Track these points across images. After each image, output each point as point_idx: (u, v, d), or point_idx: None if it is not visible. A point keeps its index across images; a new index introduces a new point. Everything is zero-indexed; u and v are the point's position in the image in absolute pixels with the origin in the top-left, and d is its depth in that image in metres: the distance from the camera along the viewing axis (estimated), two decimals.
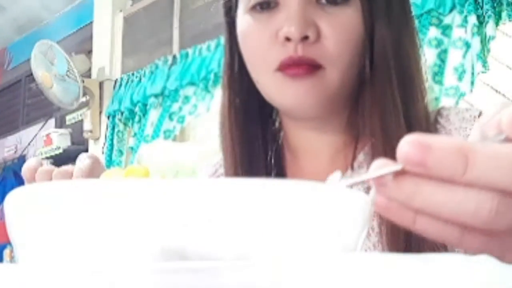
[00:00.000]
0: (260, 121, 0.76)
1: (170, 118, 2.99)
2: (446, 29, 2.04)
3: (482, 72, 1.91)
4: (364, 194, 0.35)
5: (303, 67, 0.66)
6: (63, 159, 3.88)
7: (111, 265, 0.29)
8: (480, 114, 0.71)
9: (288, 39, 0.65)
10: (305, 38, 0.65)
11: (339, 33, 0.66)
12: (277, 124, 0.79)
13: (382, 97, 0.68)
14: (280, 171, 0.76)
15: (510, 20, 1.92)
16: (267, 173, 0.75)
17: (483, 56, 1.90)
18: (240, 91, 0.75)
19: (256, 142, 0.75)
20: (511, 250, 0.33)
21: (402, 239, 0.64)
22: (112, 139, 3.30)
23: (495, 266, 0.30)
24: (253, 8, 0.69)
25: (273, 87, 0.69)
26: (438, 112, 0.74)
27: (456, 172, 0.30)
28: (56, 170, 0.68)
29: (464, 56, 1.95)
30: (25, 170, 0.69)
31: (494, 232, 0.32)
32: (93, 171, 0.68)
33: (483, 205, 0.30)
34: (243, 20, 0.71)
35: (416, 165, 0.30)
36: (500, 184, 0.30)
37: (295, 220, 0.31)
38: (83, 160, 0.69)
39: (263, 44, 0.68)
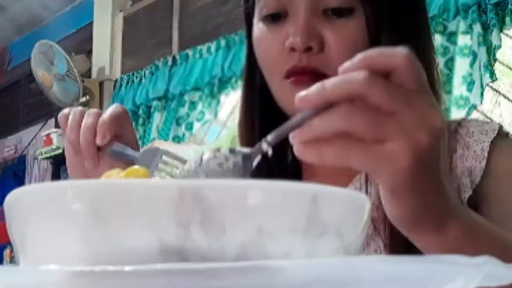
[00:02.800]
0: (277, 122, 0.77)
1: (178, 124, 2.99)
2: (451, 36, 2.04)
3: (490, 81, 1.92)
4: (364, 195, 0.36)
5: (307, 75, 0.68)
6: (63, 159, 3.87)
7: (111, 266, 0.29)
8: (500, 128, 0.72)
9: (293, 49, 0.68)
10: (309, 48, 0.68)
11: (343, 43, 0.68)
12: None
13: None
14: (296, 172, 0.77)
15: None
16: (284, 174, 0.76)
17: (490, 66, 1.90)
18: (258, 91, 0.77)
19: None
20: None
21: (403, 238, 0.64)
22: None
23: (496, 266, 0.30)
24: (265, 17, 0.72)
25: (281, 93, 0.72)
26: (459, 124, 0.75)
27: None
28: (87, 113, 0.71)
29: (471, 66, 1.95)
30: (60, 117, 0.73)
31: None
32: (122, 121, 0.71)
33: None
34: (257, 27, 0.73)
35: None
36: None
37: (295, 220, 0.31)
38: (114, 108, 0.71)
39: (272, 52, 0.71)
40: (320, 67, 0.68)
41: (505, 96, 2.23)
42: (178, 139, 2.99)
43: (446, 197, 0.45)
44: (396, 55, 0.42)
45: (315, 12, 0.69)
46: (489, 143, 0.70)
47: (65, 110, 0.73)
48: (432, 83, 0.72)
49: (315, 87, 0.42)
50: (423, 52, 0.72)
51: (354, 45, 0.68)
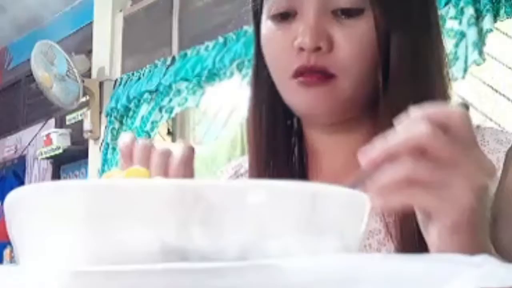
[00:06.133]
0: (284, 120, 0.77)
1: (160, 111, 3.02)
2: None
3: (477, 64, 1.90)
4: (364, 194, 0.36)
5: (315, 75, 0.69)
6: (63, 159, 3.88)
7: (111, 266, 0.29)
8: None
9: (302, 49, 0.68)
10: (318, 48, 0.68)
11: (352, 44, 0.68)
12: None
13: (395, 110, 0.69)
14: (302, 171, 0.77)
15: (508, 17, 1.91)
16: (290, 173, 0.76)
17: (479, 46, 1.89)
18: (266, 90, 0.77)
19: (280, 141, 0.77)
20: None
21: (415, 243, 0.64)
22: (111, 138, 3.30)
23: (495, 266, 0.31)
24: (274, 16, 0.72)
25: (288, 93, 0.72)
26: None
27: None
28: (156, 151, 0.66)
29: (456, 45, 1.94)
30: (121, 146, 0.67)
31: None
32: (189, 161, 0.66)
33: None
34: (265, 25, 0.73)
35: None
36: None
37: (295, 220, 0.31)
38: (180, 149, 0.67)
39: (281, 51, 0.71)
40: (329, 67, 0.68)
41: (505, 96, 2.23)
42: (155, 123, 3.02)
43: (487, 235, 0.50)
44: (455, 114, 0.49)
45: (324, 12, 0.69)
46: (505, 153, 0.69)
47: (126, 139, 0.68)
48: (442, 80, 0.72)
49: (376, 144, 0.47)
50: (433, 50, 0.72)
51: (363, 45, 0.69)
